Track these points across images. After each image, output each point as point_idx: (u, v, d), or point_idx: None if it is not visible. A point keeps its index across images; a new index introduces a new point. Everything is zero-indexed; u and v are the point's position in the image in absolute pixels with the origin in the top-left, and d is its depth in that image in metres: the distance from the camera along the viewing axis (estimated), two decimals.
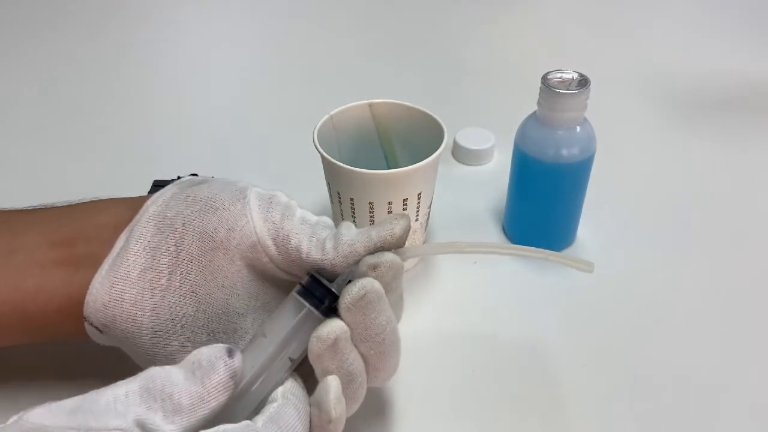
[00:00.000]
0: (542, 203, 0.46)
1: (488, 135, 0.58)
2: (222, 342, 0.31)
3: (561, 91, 0.41)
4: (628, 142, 0.60)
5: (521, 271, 0.47)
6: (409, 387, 0.39)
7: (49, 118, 0.65)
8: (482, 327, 0.43)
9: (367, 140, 0.47)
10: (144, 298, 0.31)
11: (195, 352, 0.27)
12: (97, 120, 0.64)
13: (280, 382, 0.29)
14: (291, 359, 0.29)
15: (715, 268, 0.47)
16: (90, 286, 0.30)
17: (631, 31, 0.81)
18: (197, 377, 0.26)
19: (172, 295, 0.31)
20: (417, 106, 0.45)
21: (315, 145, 0.41)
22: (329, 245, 0.30)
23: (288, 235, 0.31)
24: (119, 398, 0.24)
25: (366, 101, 0.45)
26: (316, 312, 0.29)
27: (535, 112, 0.44)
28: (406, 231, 0.31)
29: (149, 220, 0.31)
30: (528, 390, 0.39)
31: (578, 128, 0.43)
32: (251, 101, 0.68)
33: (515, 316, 0.43)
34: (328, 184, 0.43)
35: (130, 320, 0.31)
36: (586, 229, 0.49)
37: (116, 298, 0.30)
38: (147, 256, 0.31)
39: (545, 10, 0.86)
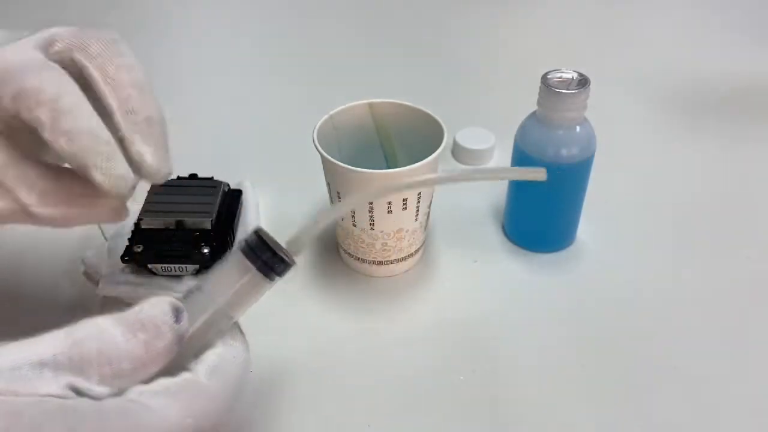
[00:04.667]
0: (542, 203, 0.46)
1: (488, 135, 0.58)
2: None
3: (561, 91, 0.41)
4: (628, 142, 0.60)
5: (520, 269, 0.47)
6: (408, 386, 0.39)
7: None
8: (481, 326, 0.43)
9: (367, 140, 0.47)
10: None
11: (137, 308, 0.24)
12: None
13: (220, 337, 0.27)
14: (231, 317, 0.28)
15: (715, 267, 0.47)
16: None
17: (631, 31, 0.81)
18: (139, 340, 0.23)
19: None
20: (417, 106, 0.45)
21: (315, 145, 0.41)
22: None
23: None
24: (47, 361, 0.21)
25: (366, 101, 0.45)
26: (263, 277, 0.28)
27: (535, 112, 0.44)
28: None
29: None
30: (527, 389, 0.39)
31: (578, 128, 0.43)
32: (251, 101, 0.68)
33: (514, 315, 0.43)
34: (328, 184, 0.43)
35: None
36: (586, 229, 0.49)
37: None
38: None
39: (545, 10, 0.86)
